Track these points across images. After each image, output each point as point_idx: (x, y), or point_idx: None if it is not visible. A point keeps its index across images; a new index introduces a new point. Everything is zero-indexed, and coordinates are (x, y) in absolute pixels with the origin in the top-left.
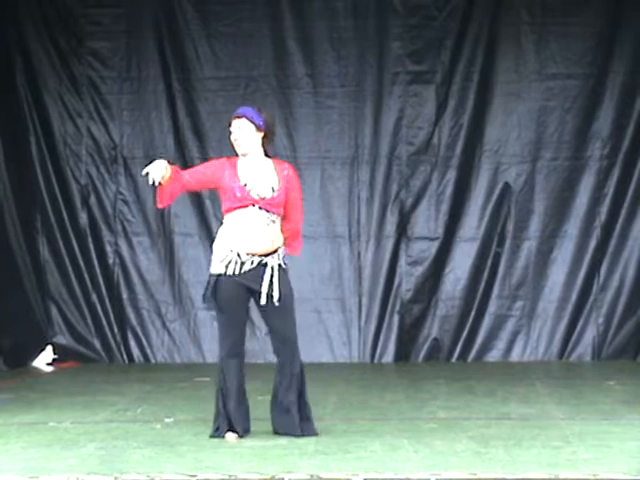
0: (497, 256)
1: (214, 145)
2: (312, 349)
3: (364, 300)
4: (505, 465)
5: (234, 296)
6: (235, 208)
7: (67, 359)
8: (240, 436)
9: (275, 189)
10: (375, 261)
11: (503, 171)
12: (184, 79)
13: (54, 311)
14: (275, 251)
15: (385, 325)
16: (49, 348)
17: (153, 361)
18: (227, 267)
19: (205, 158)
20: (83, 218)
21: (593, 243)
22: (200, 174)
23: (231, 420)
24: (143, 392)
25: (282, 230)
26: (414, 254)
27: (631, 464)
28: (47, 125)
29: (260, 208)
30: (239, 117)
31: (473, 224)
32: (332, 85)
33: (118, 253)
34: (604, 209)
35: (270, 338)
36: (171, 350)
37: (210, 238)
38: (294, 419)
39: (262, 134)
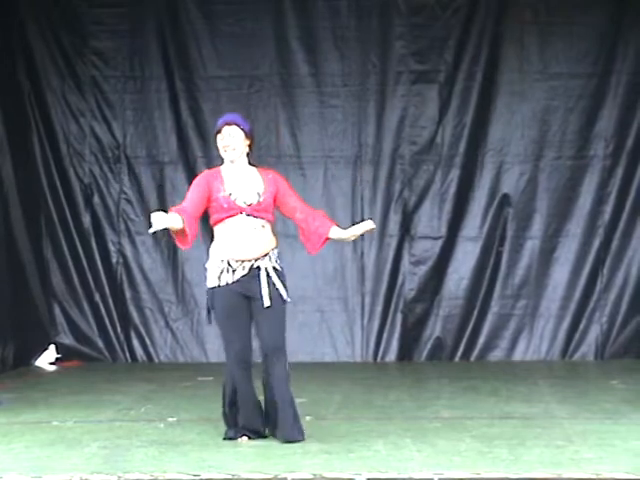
0: (500, 255)
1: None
2: (315, 348)
3: (367, 299)
4: (508, 464)
5: (231, 305)
6: (223, 219)
7: (70, 358)
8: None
9: (260, 194)
10: (378, 260)
11: (506, 170)
12: (187, 78)
13: (57, 311)
14: (266, 254)
15: (388, 324)
16: (52, 347)
17: (156, 360)
18: (220, 278)
19: (208, 157)
20: (86, 218)
21: (596, 242)
22: (195, 201)
23: (245, 426)
24: (146, 391)
25: (300, 232)
26: (417, 253)
27: (634, 463)
28: (50, 124)
29: (248, 215)
30: (230, 124)
31: (476, 223)
32: (335, 84)
33: (121, 252)
34: (607, 208)
35: (259, 340)
36: (174, 349)
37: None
38: (286, 422)
39: (249, 141)
